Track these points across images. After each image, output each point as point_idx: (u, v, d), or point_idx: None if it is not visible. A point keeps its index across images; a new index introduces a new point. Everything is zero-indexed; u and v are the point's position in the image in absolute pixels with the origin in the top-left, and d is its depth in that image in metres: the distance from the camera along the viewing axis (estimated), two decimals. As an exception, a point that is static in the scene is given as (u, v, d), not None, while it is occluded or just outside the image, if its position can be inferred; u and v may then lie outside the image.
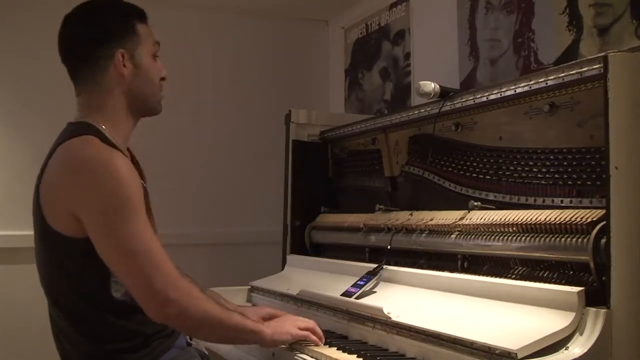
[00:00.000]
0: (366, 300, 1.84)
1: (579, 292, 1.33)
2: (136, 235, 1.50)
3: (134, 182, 1.54)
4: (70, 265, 1.57)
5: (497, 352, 1.30)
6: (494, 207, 1.72)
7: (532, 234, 1.54)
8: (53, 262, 1.60)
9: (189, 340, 1.78)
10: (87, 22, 1.68)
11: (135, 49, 1.67)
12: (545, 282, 1.49)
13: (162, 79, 1.75)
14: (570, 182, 1.55)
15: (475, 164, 1.86)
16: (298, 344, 1.71)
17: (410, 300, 1.75)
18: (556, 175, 1.59)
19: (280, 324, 1.72)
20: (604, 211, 1.35)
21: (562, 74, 1.52)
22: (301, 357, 1.65)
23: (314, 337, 1.69)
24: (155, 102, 1.74)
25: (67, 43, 1.69)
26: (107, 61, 1.64)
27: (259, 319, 1.79)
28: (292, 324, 1.71)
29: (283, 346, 1.74)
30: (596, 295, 1.34)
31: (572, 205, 1.53)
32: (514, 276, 1.61)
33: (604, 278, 1.33)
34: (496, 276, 1.63)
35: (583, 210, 1.44)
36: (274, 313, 1.89)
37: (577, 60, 1.51)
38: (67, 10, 1.73)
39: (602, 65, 1.37)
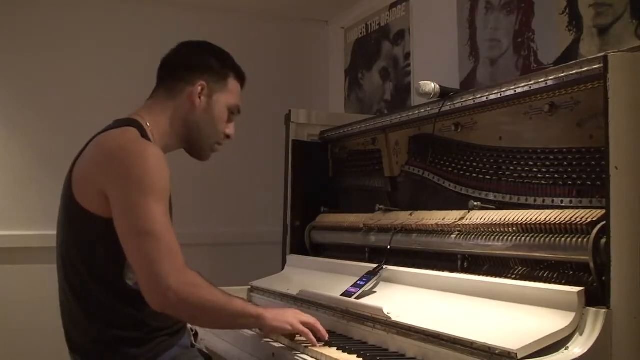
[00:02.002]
0: (366, 300, 1.84)
1: (579, 292, 1.33)
2: (152, 218, 1.54)
3: (163, 172, 1.60)
4: (90, 245, 1.62)
5: (497, 352, 1.30)
6: (494, 207, 1.72)
7: (532, 234, 1.54)
8: (74, 239, 1.65)
9: (193, 341, 1.79)
10: (196, 51, 1.85)
11: (215, 92, 1.80)
12: (545, 282, 1.49)
13: (227, 136, 1.86)
14: (570, 182, 1.55)
15: (475, 164, 1.86)
16: (298, 344, 1.71)
17: (410, 300, 1.75)
18: (556, 175, 1.59)
19: (282, 312, 1.74)
20: (604, 211, 1.35)
21: (562, 74, 1.52)
22: (301, 357, 1.64)
23: (312, 337, 1.69)
24: (206, 146, 1.84)
25: (169, 58, 1.84)
26: (187, 85, 1.77)
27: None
28: (294, 316, 1.72)
29: (282, 346, 1.74)
30: (596, 295, 1.34)
31: (572, 205, 1.53)
32: (514, 276, 1.61)
33: (604, 278, 1.33)
34: (496, 276, 1.63)
35: (583, 210, 1.44)
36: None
37: (577, 60, 1.51)
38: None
39: (602, 65, 1.37)
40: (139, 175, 1.56)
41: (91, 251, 1.62)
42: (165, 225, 1.56)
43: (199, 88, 1.77)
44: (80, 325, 1.65)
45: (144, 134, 1.67)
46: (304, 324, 1.71)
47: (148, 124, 1.73)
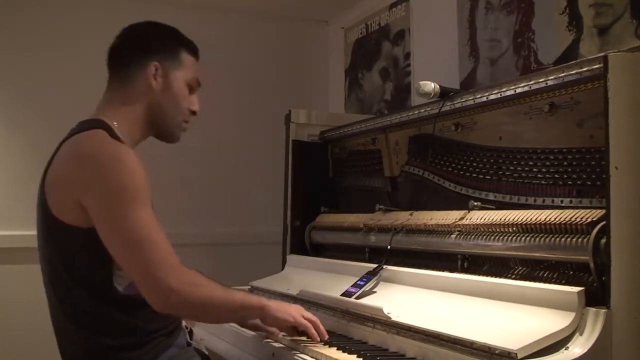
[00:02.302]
0: (366, 300, 1.84)
1: (579, 292, 1.33)
2: (139, 223, 1.51)
3: (140, 173, 1.56)
4: (74, 256, 1.58)
5: (497, 352, 1.30)
6: (494, 207, 1.72)
7: (532, 234, 1.54)
8: (56, 253, 1.61)
9: (188, 340, 1.79)
10: (140, 32, 1.78)
11: (171, 70, 1.73)
12: (545, 282, 1.49)
13: (193, 112, 1.80)
14: (570, 182, 1.55)
15: (475, 164, 1.86)
16: (298, 343, 1.71)
17: (410, 300, 1.75)
18: (556, 175, 1.59)
19: (286, 304, 1.74)
20: (604, 211, 1.35)
21: (562, 74, 1.52)
22: (301, 357, 1.64)
23: (313, 331, 1.69)
24: (174, 125, 1.77)
25: (116, 44, 1.77)
26: (140, 69, 1.71)
27: None
28: (297, 310, 1.72)
29: (282, 345, 1.74)
30: (596, 295, 1.34)
31: (572, 205, 1.53)
32: (514, 276, 1.61)
33: (604, 278, 1.33)
34: (496, 276, 1.63)
35: (583, 210, 1.44)
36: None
37: (577, 60, 1.51)
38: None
39: (602, 65, 1.37)
40: (118, 182, 1.52)
41: (75, 262, 1.58)
42: (154, 228, 1.53)
43: (153, 69, 1.70)
44: (74, 337, 1.61)
45: (112, 135, 1.61)
46: (306, 319, 1.71)
47: (115, 122, 1.66)
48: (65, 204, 1.56)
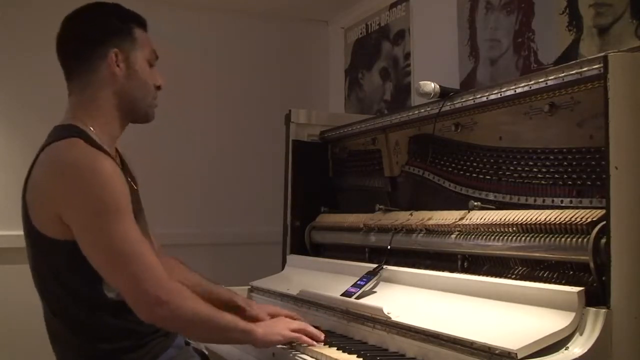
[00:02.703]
0: (366, 300, 1.84)
1: (579, 292, 1.33)
2: (122, 237, 1.48)
3: (119, 184, 1.53)
4: (60, 267, 1.56)
5: (497, 352, 1.30)
6: (494, 207, 1.72)
7: (532, 234, 1.54)
8: (43, 264, 1.60)
9: (187, 339, 1.78)
10: (85, 22, 1.68)
11: (130, 52, 1.67)
12: (545, 282, 1.49)
13: (158, 87, 1.74)
14: (570, 182, 1.55)
15: (475, 164, 1.86)
16: (298, 344, 1.71)
17: (410, 300, 1.75)
18: (556, 175, 1.59)
19: (272, 324, 1.73)
20: (604, 211, 1.35)
21: (562, 74, 1.52)
22: (301, 357, 1.64)
23: (305, 339, 1.69)
24: (146, 106, 1.72)
25: (64, 42, 1.69)
26: (101, 60, 1.64)
27: (265, 315, 1.80)
28: (284, 326, 1.71)
29: (282, 346, 1.74)
30: (596, 295, 1.34)
31: (572, 205, 1.53)
32: (514, 276, 1.61)
33: (604, 278, 1.33)
34: (496, 276, 1.63)
35: (583, 210, 1.44)
36: (278, 311, 1.89)
37: (577, 60, 1.51)
38: (67, 9, 1.73)
39: (602, 65, 1.37)
40: (97, 195, 1.49)
41: (63, 274, 1.56)
42: (137, 241, 1.51)
43: (114, 56, 1.63)
44: (69, 344, 1.60)
45: (90, 142, 1.56)
46: (295, 330, 1.70)
47: (90, 126, 1.62)
48: (45, 217, 1.54)
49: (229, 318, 1.61)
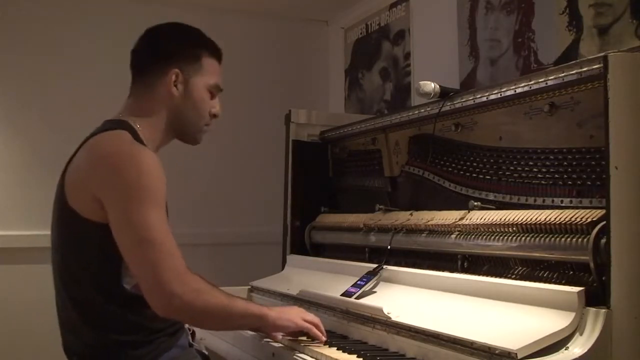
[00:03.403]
0: (366, 300, 1.84)
1: (579, 292, 1.33)
2: (151, 224, 1.52)
3: (158, 176, 1.58)
4: (86, 251, 1.60)
5: (497, 352, 1.30)
6: (494, 207, 1.72)
7: (532, 234, 1.54)
8: (70, 247, 1.63)
9: (190, 341, 1.79)
10: (159, 37, 1.77)
11: (192, 76, 1.74)
12: (545, 282, 1.49)
13: (214, 116, 1.82)
14: (570, 182, 1.55)
15: (475, 164, 1.86)
16: (298, 344, 1.71)
17: (410, 300, 1.75)
18: (556, 175, 1.59)
19: (285, 310, 1.75)
20: (604, 211, 1.35)
21: (562, 74, 1.52)
22: (301, 357, 1.64)
23: (316, 331, 1.70)
24: (195, 131, 1.79)
25: (137, 50, 1.77)
26: (161, 77, 1.71)
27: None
28: (297, 314, 1.73)
29: (282, 345, 1.74)
30: (596, 295, 1.34)
31: (572, 205, 1.53)
32: (514, 276, 1.61)
33: (604, 278, 1.33)
34: (496, 276, 1.63)
35: (583, 210, 1.44)
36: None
37: (577, 60, 1.51)
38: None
39: (602, 65, 1.37)
40: (134, 182, 1.54)
41: (88, 256, 1.60)
42: (164, 231, 1.54)
43: (173, 77, 1.71)
44: (80, 332, 1.63)
45: (136, 137, 1.64)
46: (308, 321, 1.71)
47: (138, 125, 1.68)
48: (83, 198, 1.58)
49: (241, 305, 1.64)
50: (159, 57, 1.73)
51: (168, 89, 1.71)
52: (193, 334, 1.84)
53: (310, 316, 1.74)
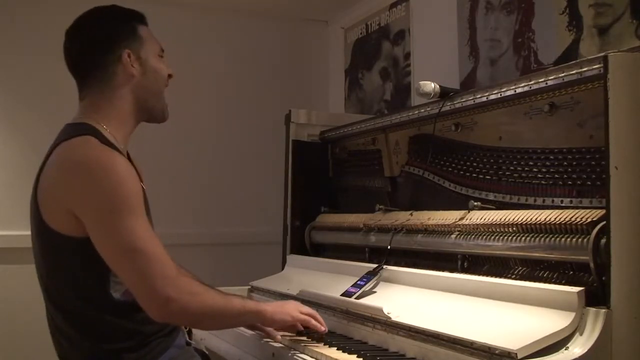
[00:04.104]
0: (366, 300, 1.84)
1: (579, 292, 1.33)
2: (134, 233, 1.49)
3: (132, 181, 1.55)
4: (69, 264, 1.57)
5: (497, 352, 1.30)
6: (494, 207, 1.72)
7: (532, 234, 1.54)
8: (51, 261, 1.60)
9: (188, 339, 1.79)
10: (89, 32, 1.70)
11: (140, 50, 1.70)
12: (545, 282, 1.49)
13: (169, 76, 1.77)
14: (570, 182, 1.55)
15: (475, 164, 1.86)
16: (298, 344, 1.71)
17: (410, 300, 1.75)
18: (556, 175, 1.59)
19: (282, 304, 1.75)
20: (604, 211, 1.35)
21: (562, 74, 1.52)
22: (301, 357, 1.65)
23: (314, 322, 1.71)
24: (162, 103, 1.75)
25: (74, 56, 1.71)
26: (115, 65, 1.67)
27: None
28: (294, 308, 1.73)
29: (282, 345, 1.74)
30: (596, 295, 1.34)
31: (572, 205, 1.53)
32: (514, 276, 1.61)
33: (604, 278, 1.33)
34: (496, 276, 1.63)
35: (583, 210, 1.44)
36: None
37: (577, 60, 1.51)
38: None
39: (602, 65, 1.37)
40: (110, 193, 1.50)
41: (72, 271, 1.57)
42: (149, 237, 1.51)
43: (127, 57, 1.67)
44: (74, 341, 1.61)
45: (103, 140, 1.58)
46: (305, 313, 1.72)
47: (103, 125, 1.64)
48: (58, 214, 1.55)
49: (237, 303, 1.63)
50: (103, 46, 1.67)
51: (128, 71, 1.67)
52: (189, 332, 1.83)
53: (307, 309, 1.75)
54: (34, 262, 1.66)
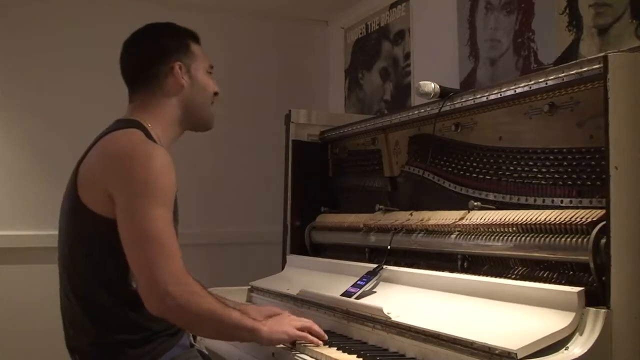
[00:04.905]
0: (366, 300, 1.84)
1: (579, 292, 1.33)
2: (155, 222, 1.54)
3: (170, 176, 1.61)
4: (95, 245, 1.62)
5: (497, 352, 1.30)
6: (494, 207, 1.72)
7: (532, 234, 1.54)
8: (78, 240, 1.65)
9: (192, 341, 1.79)
10: (144, 45, 1.83)
11: (191, 65, 1.82)
12: (545, 282, 1.49)
13: (215, 94, 1.87)
14: (570, 182, 1.55)
15: (475, 164, 1.86)
16: (298, 344, 1.71)
17: (410, 300, 1.75)
18: (556, 175, 1.59)
19: (277, 322, 1.73)
20: (604, 211, 1.35)
21: (562, 74, 1.52)
22: (301, 357, 1.64)
23: (311, 338, 1.70)
24: (207, 114, 1.86)
25: (129, 66, 1.83)
26: (166, 75, 1.78)
27: (263, 317, 1.80)
28: (289, 324, 1.72)
29: (282, 346, 1.74)
30: (596, 295, 1.34)
31: (572, 205, 1.53)
32: (514, 276, 1.61)
33: (604, 278, 1.33)
34: (496, 276, 1.63)
35: (583, 210, 1.44)
36: (277, 312, 1.89)
37: (577, 60, 1.51)
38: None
39: (602, 65, 1.37)
40: (143, 178, 1.56)
41: (96, 251, 1.61)
42: (166, 229, 1.55)
43: (178, 69, 1.78)
44: (83, 329, 1.64)
45: (148, 135, 1.68)
46: (300, 328, 1.71)
47: (149, 124, 1.73)
48: (96, 196, 1.60)
49: (235, 316, 1.63)
50: (158, 59, 1.79)
51: (179, 82, 1.78)
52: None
53: (301, 322, 1.73)
54: (59, 248, 1.69)
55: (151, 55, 1.80)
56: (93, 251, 1.62)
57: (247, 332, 1.65)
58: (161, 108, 1.77)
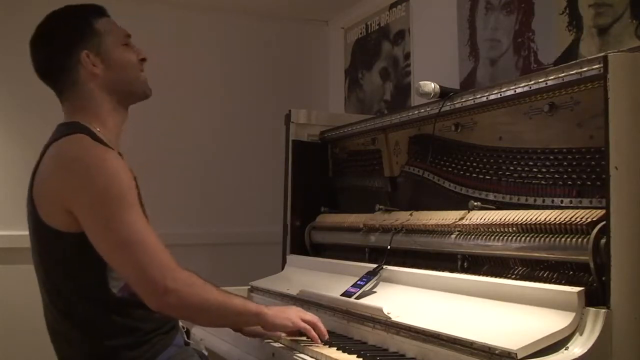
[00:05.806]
0: (366, 300, 1.84)
1: (579, 292, 1.33)
2: (129, 226, 1.50)
3: (125, 175, 1.56)
4: (67, 261, 1.58)
5: (497, 352, 1.30)
6: (494, 207, 1.72)
7: (532, 234, 1.54)
8: (50, 260, 1.61)
9: (186, 339, 1.78)
10: (46, 41, 1.71)
11: (99, 46, 1.69)
12: (545, 282, 1.49)
13: (143, 60, 1.76)
14: (570, 182, 1.55)
15: (475, 164, 1.86)
16: (298, 344, 1.71)
17: (410, 300, 1.75)
18: (556, 175, 1.59)
19: (283, 309, 1.73)
20: (604, 211, 1.35)
21: (562, 74, 1.52)
22: (301, 357, 1.64)
23: (313, 333, 1.69)
24: (139, 85, 1.75)
25: (38, 66, 1.72)
26: (77, 67, 1.67)
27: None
28: (295, 313, 1.71)
29: (282, 345, 1.74)
30: (596, 295, 1.34)
31: (572, 205, 1.53)
32: (514, 276, 1.61)
33: (604, 278, 1.33)
34: (496, 276, 1.63)
35: (583, 210, 1.44)
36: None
37: (577, 60, 1.51)
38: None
39: (602, 65, 1.37)
40: (104, 187, 1.51)
41: (70, 268, 1.58)
42: (144, 230, 1.52)
43: (85, 57, 1.66)
44: (74, 341, 1.61)
45: (93, 137, 1.60)
46: (305, 321, 1.70)
47: (92, 123, 1.65)
48: (54, 211, 1.55)
49: (238, 302, 1.62)
50: (60, 54, 1.67)
51: (89, 71, 1.67)
52: (187, 332, 1.83)
53: (309, 316, 1.73)
54: (33, 264, 1.66)
55: (52, 53, 1.69)
56: (65, 266, 1.58)
57: (252, 316, 1.64)
58: (89, 101, 1.67)
